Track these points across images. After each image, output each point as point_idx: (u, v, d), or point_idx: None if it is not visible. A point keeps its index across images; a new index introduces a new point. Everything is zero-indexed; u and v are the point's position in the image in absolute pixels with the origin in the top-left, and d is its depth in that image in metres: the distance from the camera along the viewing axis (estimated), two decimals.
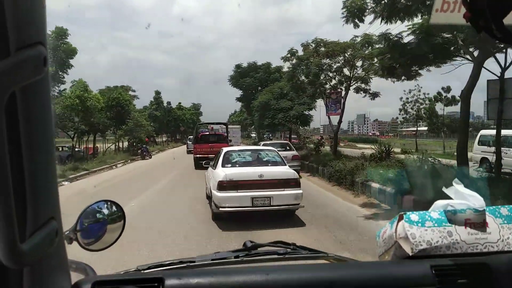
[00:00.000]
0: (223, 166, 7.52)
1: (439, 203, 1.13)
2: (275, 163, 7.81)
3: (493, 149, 11.34)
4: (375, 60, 13.75)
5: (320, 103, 25.40)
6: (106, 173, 17.86)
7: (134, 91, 37.79)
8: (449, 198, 1.12)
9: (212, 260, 1.34)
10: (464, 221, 1.06)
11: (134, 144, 28.75)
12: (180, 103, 60.26)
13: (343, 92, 15.92)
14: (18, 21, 0.56)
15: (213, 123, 28.98)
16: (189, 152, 28.50)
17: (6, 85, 0.54)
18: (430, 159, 10.14)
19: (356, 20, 9.31)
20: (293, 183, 7.11)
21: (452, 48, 8.64)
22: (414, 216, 1.07)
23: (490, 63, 8.15)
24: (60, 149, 22.80)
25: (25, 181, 0.61)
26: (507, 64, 7.83)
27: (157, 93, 52.58)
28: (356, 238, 6.14)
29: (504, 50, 7.71)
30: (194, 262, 1.31)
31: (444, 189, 1.16)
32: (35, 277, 0.68)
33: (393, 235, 1.08)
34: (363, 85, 16.26)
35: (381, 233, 1.18)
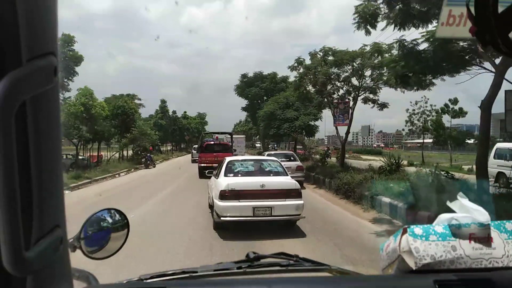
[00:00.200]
0: (225, 175, 7.54)
1: (444, 216, 1.12)
2: (277, 173, 7.81)
3: (510, 163, 10.92)
4: (385, 69, 13.45)
5: (325, 113, 25.21)
6: (108, 182, 17.57)
7: (140, 99, 37.77)
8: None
9: (215, 270, 1.32)
10: (468, 235, 1.04)
11: (139, 152, 28.52)
12: (185, 112, 60.26)
13: (351, 103, 15.56)
14: (31, 32, 0.57)
15: (218, 133, 29.10)
16: (193, 161, 28.56)
17: (17, 94, 0.55)
18: (442, 172, 9.71)
19: (368, 26, 9.00)
20: (294, 193, 7.08)
21: (467, 57, 8.30)
22: (418, 229, 1.06)
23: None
24: (64, 156, 22.60)
25: (32, 189, 0.61)
26: None
27: (163, 101, 52.60)
28: (368, 257, 5.72)
29: None
30: (196, 272, 1.29)
31: (449, 203, 1.15)
32: (39, 284, 0.67)
33: (397, 249, 1.07)
34: (371, 96, 15.93)
35: (384, 246, 1.16)
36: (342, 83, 15.71)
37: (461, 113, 38.47)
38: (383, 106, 16.00)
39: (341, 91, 16.07)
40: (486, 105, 7.16)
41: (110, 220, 1.34)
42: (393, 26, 8.44)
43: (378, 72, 14.13)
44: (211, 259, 5.43)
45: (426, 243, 1.03)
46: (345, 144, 17.59)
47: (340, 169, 14.60)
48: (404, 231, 1.06)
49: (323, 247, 6.42)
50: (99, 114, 21.68)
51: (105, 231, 1.31)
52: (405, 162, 13.30)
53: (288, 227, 7.49)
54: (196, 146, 30.62)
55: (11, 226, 0.56)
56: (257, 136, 52.72)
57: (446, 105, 38.43)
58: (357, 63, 14.37)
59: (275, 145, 36.78)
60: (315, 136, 32.57)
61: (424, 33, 8.10)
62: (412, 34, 10.36)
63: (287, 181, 7.39)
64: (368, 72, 14.62)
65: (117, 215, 1.36)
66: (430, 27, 8.03)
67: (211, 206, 7.86)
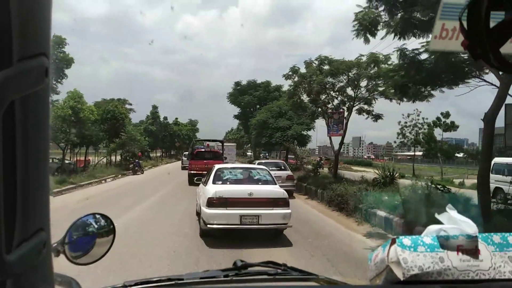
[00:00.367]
0: (213, 182, 7.49)
1: (432, 228, 1.13)
2: (265, 182, 7.76)
3: (509, 178, 10.68)
4: (381, 80, 13.26)
5: (317, 123, 25.01)
6: (93, 188, 17.01)
7: (130, 104, 37.20)
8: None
9: (201, 278, 1.30)
10: (456, 247, 1.06)
11: (127, 158, 27.92)
12: (177, 118, 59.76)
13: (346, 113, 15.32)
14: (23, 32, 0.57)
15: (209, 140, 29.07)
16: (183, 168, 28.40)
17: (6, 94, 0.55)
18: (439, 186, 9.44)
19: (368, 34, 8.76)
20: (282, 202, 7.07)
21: (466, 69, 8.09)
22: (406, 240, 1.06)
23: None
24: (50, 160, 21.93)
25: (17, 190, 0.60)
26: None
27: (154, 107, 52.01)
28: (364, 276, 5.36)
29: None
30: (182, 279, 1.27)
31: (437, 215, 1.16)
32: None
33: (385, 259, 1.07)
34: (365, 106, 15.72)
35: (373, 257, 1.17)
36: (337, 93, 15.48)
37: (452, 126, 38.66)
38: (377, 117, 15.81)
39: (336, 101, 15.85)
40: (489, 118, 6.91)
41: (96, 225, 1.31)
42: (393, 35, 8.21)
43: (374, 82, 13.92)
44: (197, 269, 5.07)
45: (414, 254, 1.04)
46: (334, 155, 17.34)
47: (333, 180, 14.29)
48: (393, 242, 1.07)
49: (316, 262, 6.06)
50: (87, 118, 21.16)
51: (91, 236, 1.27)
52: (396, 174, 12.98)
53: (279, 241, 7.23)
54: (187, 153, 30.44)
55: None
56: (249, 145, 52.39)
57: (438, 118, 38.63)
58: (353, 73, 14.14)
59: (267, 154, 36.45)
60: (307, 146, 32.49)
61: (424, 43, 7.88)
62: (411, 44, 10.13)
63: (275, 190, 7.35)
64: (363, 83, 14.42)
65: (104, 220, 1.33)
66: (431, 37, 7.83)
67: (199, 214, 7.75)
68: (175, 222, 8.85)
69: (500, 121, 8.15)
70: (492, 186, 13.20)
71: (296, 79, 16.39)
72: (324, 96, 15.61)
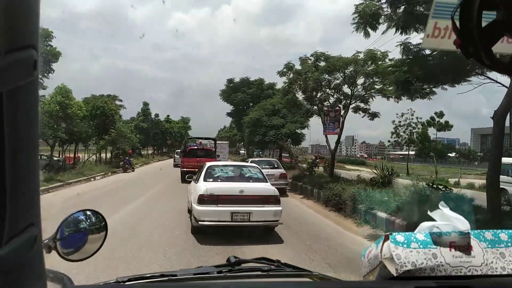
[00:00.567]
0: (205, 180, 7.53)
1: (425, 224, 1.14)
2: (256, 180, 7.83)
3: None
4: (379, 77, 12.93)
5: (311, 122, 24.68)
6: (81, 186, 16.43)
7: (121, 100, 36.51)
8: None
9: (194, 274, 1.29)
10: (449, 243, 1.07)
11: (118, 155, 27.30)
12: (168, 115, 58.96)
13: (342, 111, 14.94)
14: (10, 23, 0.56)
15: (202, 138, 29.23)
16: (176, 165, 28.53)
17: None
18: (440, 187, 9.12)
19: (368, 28, 8.37)
20: (273, 199, 7.12)
21: (468, 66, 7.74)
22: (399, 237, 1.07)
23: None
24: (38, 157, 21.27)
25: (6, 186, 0.59)
26: None
27: (145, 104, 51.03)
28: (358, 272, 4.97)
29: None
30: (175, 276, 1.26)
31: (430, 212, 1.17)
32: (10, 284, 0.65)
33: (378, 255, 1.08)
34: (362, 105, 15.37)
35: (366, 253, 1.17)
36: (333, 91, 15.10)
37: (447, 126, 38.71)
38: (374, 115, 15.48)
39: (332, 99, 15.47)
40: (499, 115, 6.57)
41: (88, 222, 1.30)
42: (394, 29, 7.85)
43: (371, 80, 13.55)
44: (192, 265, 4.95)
45: (407, 250, 1.04)
46: (329, 153, 17.01)
47: (329, 179, 13.93)
48: (386, 238, 1.08)
49: (317, 267, 5.62)
50: (75, 114, 20.55)
51: (83, 233, 1.27)
52: (394, 174, 12.65)
53: (276, 244, 6.93)
54: (179, 150, 30.28)
55: None
56: (242, 143, 51.94)
57: (432, 118, 38.62)
58: (349, 70, 13.75)
59: (260, 152, 36.05)
60: (301, 144, 32.17)
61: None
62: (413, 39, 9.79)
63: (266, 188, 7.41)
64: (360, 80, 14.04)
65: (96, 217, 1.33)
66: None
67: (190, 211, 7.75)
68: (165, 222, 8.41)
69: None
70: None
71: (291, 76, 15.97)
72: (319, 94, 15.21)
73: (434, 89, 8.86)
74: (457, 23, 0.67)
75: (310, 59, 15.05)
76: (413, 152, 45.19)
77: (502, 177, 12.85)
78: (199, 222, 6.82)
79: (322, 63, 14.31)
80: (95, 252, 1.27)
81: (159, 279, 1.23)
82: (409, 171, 34.69)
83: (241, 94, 39.27)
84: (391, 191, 10.00)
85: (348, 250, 6.75)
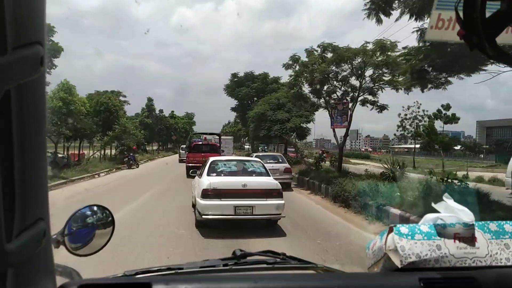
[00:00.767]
0: (208, 174, 7.65)
1: (429, 216, 1.14)
2: (259, 174, 7.93)
3: None
4: (388, 68, 12.50)
5: (317, 115, 24.29)
6: (85, 183, 16.22)
7: (125, 96, 36.17)
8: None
9: (201, 267, 1.32)
10: (453, 235, 1.07)
11: (123, 151, 27.08)
12: (173, 111, 58.69)
13: (350, 104, 14.50)
14: (17, 20, 0.56)
15: (206, 133, 29.16)
16: (181, 161, 28.86)
17: (2, 82, 0.54)
18: (456, 181, 8.74)
19: (381, 14, 7.94)
20: (276, 193, 7.22)
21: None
22: (404, 228, 1.08)
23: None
24: None
25: (15, 180, 0.60)
26: None
27: (149, 100, 50.80)
28: (362, 264, 4.64)
29: None
30: (182, 269, 1.29)
31: (434, 204, 1.17)
32: (19, 278, 0.65)
33: (383, 247, 1.09)
34: (370, 97, 14.93)
35: (370, 245, 1.18)
36: (340, 83, 14.67)
37: (453, 118, 38.13)
38: (382, 108, 15.03)
39: (339, 92, 15.02)
40: None
41: (95, 217, 1.31)
42: (408, 16, 7.43)
43: (380, 71, 13.09)
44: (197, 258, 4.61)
45: (411, 242, 1.05)
46: (333, 148, 16.65)
47: (337, 174, 13.57)
48: (390, 230, 1.08)
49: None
50: (78, 110, 20.30)
51: (90, 228, 1.29)
52: (405, 168, 12.27)
53: (286, 243, 6.67)
54: (184, 146, 31.17)
55: None
56: (246, 138, 51.57)
57: (438, 110, 38.03)
58: (357, 61, 13.29)
59: (265, 147, 35.71)
60: (306, 138, 31.78)
61: None
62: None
63: (268, 181, 7.50)
64: (368, 72, 13.57)
65: (103, 212, 1.34)
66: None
67: (194, 205, 7.86)
68: (171, 220, 8.13)
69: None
70: (509, 180, 12.68)
71: (297, 68, 15.54)
72: (327, 86, 14.78)
73: (449, 78, 8.42)
74: (461, 14, 0.66)
75: (317, 51, 14.62)
76: (417, 146, 44.65)
77: None
78: (203, 216, 6.92)
79: (329, 55, 13.87)
80: (103, 247, 1.29)
81: (166, 272, 1.24)
82: (415, 164, 34.21)
83: (246, 88, 38.85)
84: (402, 186, 9.63)
85: (361, 249, 6.40)
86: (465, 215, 1.09)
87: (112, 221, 1.35)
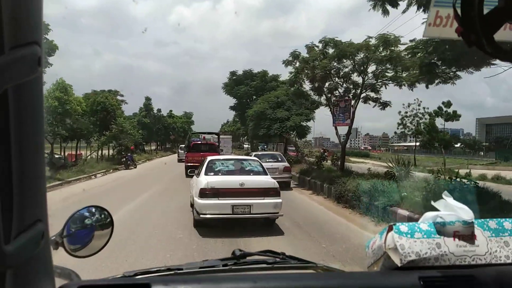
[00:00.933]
0: (206, 174, 7.66)
1: (429, 214, 1.14)
2: (257, 173, 7.93)
3: None
4: (392, 64, 12.13)
5: (317, 113, 23.93)
6: (81, 184, 15.84)
7: (122, 95, 35.76)
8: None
9: (200, 268, 1.32)
10: (453, 233, 1.07)
11: (121, 152, 26.68)
12: (171, 110, 58.20)
13: (353, 101, 14.11)
14: (14, 20, 0.56)
15: (205, 133, 29.25)
16: (180, 160, 29.08)
17: None
18: (465, 180, 8.39)
19: (387, 5, 7.55)
20: (273, 192, 7.23)
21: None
22: (403, 227, 1.08)
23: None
24: None
25: (13, 181, 0.60)
26: None
27: (147, 99, 50.25)
28: (362, 263, 4.29)
29: None
30: (181, 269, 1.28)
31: (433, 202, 1.17)
32: (18, 280, 0.65)
33: (382, 246, 1.09)
34: (372, 94, 14.56)
35: (370, 244, 1.18)
36: (342, 80, 14.28)
37: (455, 116, 37.87)
38: (385, 105, 14.67)
39: (341, 89, 14.63)
40: None
41: (94, 218, 1.31)
42: (415, 7, 7.07)
43: (383, 67, 12.70)
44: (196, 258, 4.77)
45: (411, 241, 1.05)
46: (333, 146, 16.35)
47: (339, 173, 13.20)
48: (390, 229, 1.08)
49: None
50: (74, 110, 19.89)
51: (89, 229, 1.28)
52: (411, 167, 11.89)
53: (290, 247, 6.20)
54: (183, 145, 31.21)
55: None
56: (245, 137, 51.17)
57: (439, 107, 37.74)
58: (360, 57, 12.89)
59: (265, 146, 35.35)
60: (306, 137, 31.42)
61: None
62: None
63: (266, 180, 7.49)
64: (371, 68, 13.18)
65: (102, 213, 1.34)
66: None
67: (192, 205, 7.84)
68: (170, 220, 7.78)
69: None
70: None
71: (297, 64, 15.16)
72: (328, 83, 14.40)
73: (458, 72, 8.06)
74: (459, 11, 0.66)
75: (317, 47, 14.23)
76: (417, 144, 44.41)
77: None
78: (201, 216, 6.92)
79: (331, 51, 13.47)
80: (102, 248, 1.29)
81: (165, 273, 1.24)
82: (416, 162, 33.88)
83: (244, 87, 38.41)
84: (408, 185, 9.27)
85: None
86: (465, 213, 1.10)
87: (111, 222, 1.34)
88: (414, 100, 38.26)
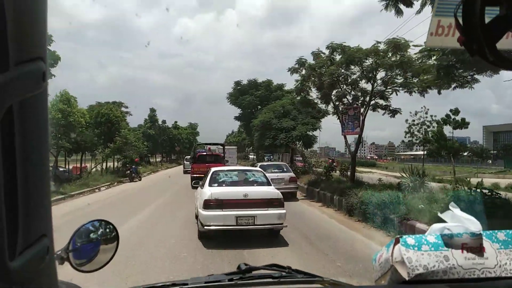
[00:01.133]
0: (210, 185, 7.63)
1: (436, 226, 1.13)
2: (260, 184, 7.89)
3: None
4: (401, 69, 11.72)
5: (323, 123, 23.52)
6: (85, 198, 15.48)
7: (126, 107, 35.67)
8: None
9: (206, 282, 1.29)
10: (461, 245, 1.04)
11: (126, 164, 26.37)
12: (176, 122, 58.05)
13: (362, 109, 13.67)
14: (19, 36, 0.57)
15: (210, 144, 29.32)
16: (185, 172, 29.00)
17: (4, 98, 0.55)
18: (486, 191, 7.88)
19: (400, 5, 7.15)
20: (277, 203, 7.19)
21: None
22: (410, 239, 1.05)
23: None
24: None
25: (18, 196, 0.59)
26: None
27: (152, 110, 50.11)
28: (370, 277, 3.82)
29: None
30: (187, 284, 1.27)
31: (440, 214, 1.18)
32: None
33: (389, 259, 1.07)
34: (381, 101, 14.10)
35: (377, 257, 1.18)
36: (350, 87, 13.87)
37: (463, 123, 37.19)
38: (395, 112, 14.20)
39: (349, 96, 14.20)
40: None
41: (99, 232, 1.30)
42: (430, 7, 6.67)
43: (394, 73, 12.26)
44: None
45: (418, 253, 1.03)
46: (339, 155, 15.88)
47: (350, 184, 12.70)
48: (397, 241, 1.07)
49: None
50: (78, 122, 19.64)
51: (95, 243, 1.26)
52: (426, 177, 11.35)
53: (303, 265, 5.71)
54: (189, 157, 30.81)
55: None
56: (250, 147, 50.75)
57: (447, 115, 37.12)
58: (367, 63, 12.48)
59: (271, 157, 34.89)
60: (313, 147, 30.96)
61: None
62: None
63: (269, 191, 7.47)
64: (380, 74, 12.75)
65: (107, 227, 1.33)
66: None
67: (197, 216, 7.80)
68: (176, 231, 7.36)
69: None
70: None
71: (303, 72, 14.79)
72: (336, 91, 13.99)
73: (476, 76, 7.62)
74: (460, 20, 0.66)
75: (324, 53, 13.86)
76: (423, 152, 43.71)
77: None
78: (205, 227, 6.87)
79: (338, 57, 13.09)
80: (108, 262, 1.26)
81: None
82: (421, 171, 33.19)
83: (249, 96, 38.14)
84: (424, 197, 8.76)
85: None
86: (472, 224, 1.08)
87: (116, 236, 1.33)
88: (421, 108, 37.74)
